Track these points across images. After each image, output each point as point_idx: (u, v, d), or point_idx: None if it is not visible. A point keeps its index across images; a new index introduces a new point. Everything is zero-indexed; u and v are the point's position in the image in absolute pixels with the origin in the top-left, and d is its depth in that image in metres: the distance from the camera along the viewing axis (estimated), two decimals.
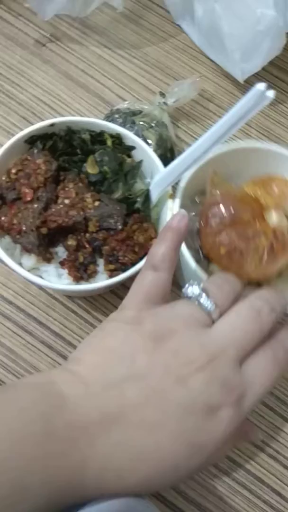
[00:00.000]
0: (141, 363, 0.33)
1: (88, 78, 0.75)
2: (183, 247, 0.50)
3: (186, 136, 0.72)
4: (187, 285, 0.39)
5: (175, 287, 0.61)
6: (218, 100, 0.75)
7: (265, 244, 0.50)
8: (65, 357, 0.59)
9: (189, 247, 0.51)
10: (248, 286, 0.51)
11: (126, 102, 0.69)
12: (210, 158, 0.54)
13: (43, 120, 0.71)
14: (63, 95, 0.73)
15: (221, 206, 0.52)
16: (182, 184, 0.53)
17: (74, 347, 0.60)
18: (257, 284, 0.53)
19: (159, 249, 0.40)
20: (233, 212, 0.51)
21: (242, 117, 0.42)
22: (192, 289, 0.38)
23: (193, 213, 0.54)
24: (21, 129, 0.69)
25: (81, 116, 0.71)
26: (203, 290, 0.37)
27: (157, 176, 0.53)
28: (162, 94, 0.69)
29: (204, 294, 0.37)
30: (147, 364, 0.33)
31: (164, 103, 0.68)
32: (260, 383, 0.34)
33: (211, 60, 0.77)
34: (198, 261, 0.52)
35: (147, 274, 0.39)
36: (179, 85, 0.69)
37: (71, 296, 0.61)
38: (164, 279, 0.39)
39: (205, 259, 0.54)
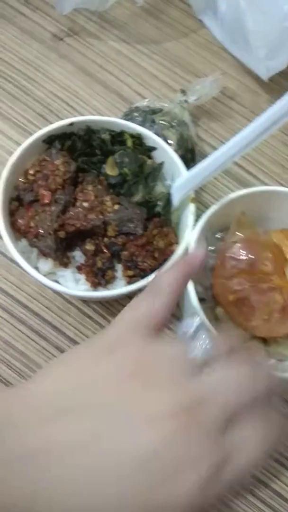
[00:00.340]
0: (105, 396, 0.28)
1: (106, 74, 0.72)
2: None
3: (207, 136, 0.70)
4: (183, 322, 0.36)
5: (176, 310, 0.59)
6: (240, 99, 0.73)
7: (279, 301, 0.46)
8: None
9: (199, 282, 0.48)
10: (252, 341, 0.48)
11: (146, 100, 0.67)
12: (241, 194, 0.51)
13: (59, 117, 0.70)
14: (81, 91, 0.71)
15: (241, 249, 0.48)
16: (207, 215, 0.50)
17: None
18: (263, 340, 0.50)
19: (165, 277, 0.35)
20: (252, 258, 0.48)
21: (275, 122, 0.40)
22: (187, 328, 0.35)
23: (212, 248, 0.52)
24: (38, 127, 0.69)
25: (99, 114, 0.69)
26: (199, 332, 0.33)
27: (179, 179, 0.51)
28: (183, 92, 0.66)
29: (199, 337, 0.31)
30: (111, 398, 0.28)
31: (185, 101, 0.65)
32: (247, 452, 0.28)
33: (234, 57, 0.74)
34: (204, 300, 0.49)
35: (143, 298, 0.34)
36: (200, 83, 0.66)
37: (86, 300, 0.60)
38: (161, 308, 0.33)
39: (213, 301, 0.51)
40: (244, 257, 0.49)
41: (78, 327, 0.59)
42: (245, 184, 0.67)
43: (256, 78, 0.72)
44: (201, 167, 0.48)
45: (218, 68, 0.74)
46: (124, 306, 0.60)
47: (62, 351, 0.58)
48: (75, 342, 0.58)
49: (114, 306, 0.60)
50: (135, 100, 0.70)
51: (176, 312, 0.60)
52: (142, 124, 0.59)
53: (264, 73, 0.69)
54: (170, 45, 0.75)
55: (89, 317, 0.59)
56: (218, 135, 0.70)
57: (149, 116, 0.62)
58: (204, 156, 0.68)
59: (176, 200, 0.52)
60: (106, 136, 0.53)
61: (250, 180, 0.67)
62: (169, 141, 0.59)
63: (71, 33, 0.75)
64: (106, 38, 0.75)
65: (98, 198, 0.50)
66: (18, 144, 0.67)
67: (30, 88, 0.71)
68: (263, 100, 0.72)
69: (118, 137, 0.54)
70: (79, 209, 0.49)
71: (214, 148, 0.68)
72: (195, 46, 0.75)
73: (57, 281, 0.51)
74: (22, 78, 0.71)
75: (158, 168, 0.53)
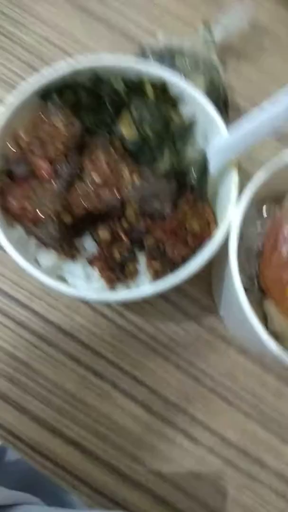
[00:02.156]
0: None
1: (108, 11, 0.59)
2: (234, 268, 0.38)
3: (237, 82, 0.56)
4: None
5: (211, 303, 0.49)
6: (275, 34, 0.59)
7: None
8: (95, 373, 0.48)
9: (240, 270, 0.38)
10: None
11: (160, 39, 0.53)
12: None
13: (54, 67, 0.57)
14: (78, 33, 0.58)
15: None
16: (254, 185, 0.38)
17: (106, 359, 0.48)
18: None
19: None
20: None
21: None
22: None
23: (258, 226, 0.41)
24: (27, 81, 0.56)
25: None
26: None
27: (220, 140, 0.38)
28: (207, 25, 0.53)
29: None
30: None
31: (210, 36, 0.52)
32: None
33: None
34: (249, 291, 0.39)
35: None
36: (228, 13, 0.53)
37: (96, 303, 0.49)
38: None
39: (260, 292, 0.41)
40: None
41: (91, 329, 0.48)
42: None
43: None
44: (251, 125, 0.35)
45: None
46: (148, 302, 0.51)
47: (74, 359, 0.47)
48: (90, 348, 0.48)
49: None
50: (144, 41, 0.57)
51: (208, 306, 0.49)
52: None
53: None
54: None
55: (103, 315, 0.49)
56: (252, 82, 0.57)
57: (167, 58, 0.49)
58: (235, 108, 0.56)
59: (214, 168, 0.40)
60: (119, 86, 0.40)
61: None
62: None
63: None
64: None
65: (113, 169, 0.38)
66: (4, 103, 0.54)
67: (16, 33, 0.57)
68: None
69: (134, 86, 0.41)
70: (88, 184, 0.38)
71: (248, 98, 0.56)
72: None
73: (63, 278, 0.40)
74: (5, 22, 0.57)
75: (189, 126, 0.41)
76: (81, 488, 0.45)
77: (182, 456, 0.47)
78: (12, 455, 0.46)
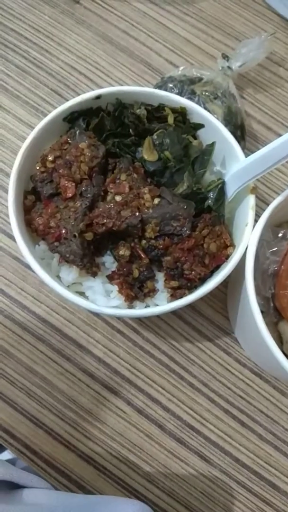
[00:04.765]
0: None
1: (131, 41, 0.61)
2: (251, 293, 0.38)
3: (253, 110, 0.59)
4: None
5: (226, 323, 0.50)
6: None
7: None
8: (110, 389, 0.48)
9: (256, 292, 0.39)
10: None
11: (180, 68, 0.56)
12: None
13: (77, 93, 0.59)
14: (102, 61, 0.60)
15: None
16: (271, 208, 0.39)
17: (121, 376, 0.48)
18: None
19: None
20: None
21: None
22: None
23: (273, 249, 0.41)
24: (52, 106, 0.58)
25: None
26: None
27: (237, 165, 0.40)
28: (226, 57, 0.55)
29: None
30: None
31: (228, 67, 0.54)
32: None
33: (282, 17, 0.63)
34: (264, 312, 0.40)
35: None
36: (247, 45, 0.55)
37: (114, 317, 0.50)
38: None
39: (275, 313, 0.42)
40: None
41: (107, 345, 0.49)
42: None
43: None
44: (267, 151, 0.37)
45: (262, 30, 0.63)
46: (160, 318, 0.52)
47: (89, 374, 0.48)
48: (105, 363, 0.48)
49: (148, 318, 0.50)
50: (166, 70, 0.60)
51: (224, 325, 0.50)
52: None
53: None
54: (205, 5, 0.64)
55: (119, 331, 0.50)
56: (267, 109, 0.59)
57: (187, 87, 0.51)
58: (252, 134, 0.58)
59: (231, 191, 0.41)
60: (141, 112, 0.42)
61: None
62: (214, 116, 0.48)
63: None
64: None
65: (134, 190, 0.40)
66: (30, 127, 0.57)
67: (42, 60, 0.60)
68: None
69: (156, 112, 0.43)
70: (111, 204, 0.39)
71: (264, 125, 0.58)
72: (235, 5, 0.64)
73: (83, 294, 0.41)
74: (32, 49, 0.61)
75: (208, 151, 0.42)
76: None
77: (195, 476, 0.47)
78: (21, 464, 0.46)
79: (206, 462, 0.47)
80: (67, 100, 0.43)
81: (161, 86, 0.53)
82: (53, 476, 0.46)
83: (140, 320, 0.50)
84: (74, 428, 0.47)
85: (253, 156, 0.38)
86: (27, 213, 0.41)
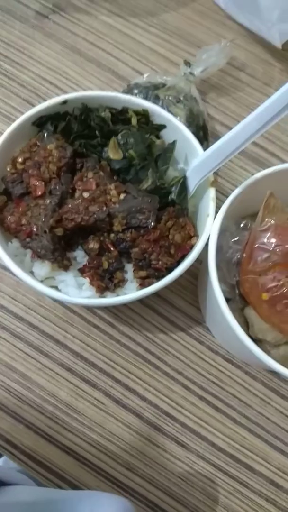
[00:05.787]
0: None
1: (99, 52, 0.64)
2: (214, 279, 0.40)
3: (217, 112, 0.62)
4: None
5: (198, 314, 0.52)
6: (251, 69, 0.65)
7: None
8: (88, 381, 0.50)
9: (222, 280, 0.41)
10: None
11: (145, 75, 0.59)
12: (269, 173, 0.43)
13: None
14: (71, 72, 0.63)
15: (273, 238, 0.41)
16: (230, 199, 0.42)
17: (98, 369, 0.50)
18: None
19: None
20: None
21: None
22: None
23: (235, 239, 0.44)
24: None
25: None
26: None
27: (196, 160, 0.43)
28: (187, 63, 0.58)
29: None
30: None
31: (190, 73, 0.57)
32: None
33: (240, 25, 0.67)
34: (231, 299, 0.42)
35: None
36: (207, 51, 0.58)
37: (91, 308, 0.52)
38: None
39: (241, 300, 0.44)
40: (279, 247, 0.41)
41: (84, 339, 0.51)
42: (263, 164, 0.59)
43: (267, 47, 0.65)
44: (221, 144, 0.40)
45: (222, 37, 0.66)
46: (135, 311, 0.54)
47: (67, 368, 0.50)
48: (82, 357, 0.50)
49: (123, 311, 0.52)
50: (132, 78, 0.62)
51: (196, 316, 0.52)
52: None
53: (277, 39, 0.61)
54: (168, 16, 0.67)
55: (96, 326, 0.52)
56: (230, 112, 0.62)
57: (151, 92, 0.54)
58: (215, 135, 0.61)
59: (192, 185, 0.44)
60: (106, 114, 0.45)
61: (268, 159, 0.59)
62: (177, 118, 0.51)
63: (57, 10, 0.67)
64: (96, 13, 0.67)
65: (101, 187, 0.42)
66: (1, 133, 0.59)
67: (13, 72, 0.63)
68: (276, 70, 0.65)
69: (120, 115, 0.46)
70: (79, 200, 0.41)
71: (226, 126, 0.61)
72: (196, 15, 0.68)
73: (56, 288, 0.43)
74: (4, 62, 0.63)
75: (169, 149, 0.45)
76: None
77: (173, 463, 0.48)
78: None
79: (184, 447, 0.49)
80: None
81: (127, 92, 0.56)
82: (35, 469, 0.47)
83: (115, 314, 0.52)
84: (54, 421, 0.48)
85: (209, 150, 0.41)
86: None
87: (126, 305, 0.52)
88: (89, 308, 0.52)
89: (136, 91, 0.55)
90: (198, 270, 0.53)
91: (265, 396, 0.51)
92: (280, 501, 0.48)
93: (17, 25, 0.65)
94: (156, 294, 0.46)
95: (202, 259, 0.44)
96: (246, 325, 0.46)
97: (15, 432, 0.48)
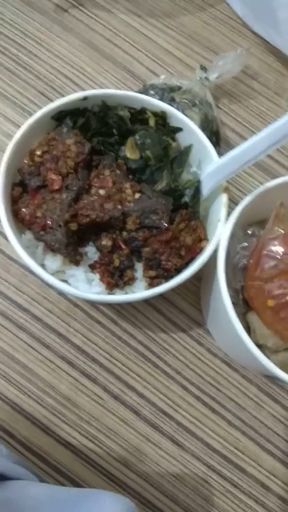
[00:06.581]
0: None
1: (115, 49, 0.65)
2: (222, 282, 0.41)
3: (228, 119, 0.63)
4: None
5: (199, 316, 0.53)
6: (263, 78, 0.66)
7: None
8: (88, 376, 0.50)
9: (228, 285, 0.42)
10: None
11: (162, 77, 0.59)
12: (279, 183, 0.44)
13: (63, 95, 0.62)
14: (87, 67, 0.63)
15: (282, 246, 0.42)
16: (241, 206, 0.43)
17: (99, 364, 0.51)
18: None
19: None
20: None
21: None
22: None
23: (244, 245, 0.45)
24: (39, 106, 0.61)
25: None
26: None
27: (211, 165, 0.43)
28: (203, 68, 0.59)
29: None
30: None
31: (206, 78, 0.58)
32: None
33: (256, 34, 0.68)
34: (235, 304, 0.42)
35: None
36: (223, 58, 0.59)
37: (100, 303, 0.52)
38: None
39: (244, 305, 0.45)
40: (287, 256, 0.42)
41: (86, 334, 0.51)
42: (273, 174, 0.60)
43: (281, 57, 0.66)
44: (238, 152, 0.40)
45: (238, 45, 0.67)
46: (138, 310, 0.55)
47: (68, 361, 0.50)
48: (83, 352, 0.51)
49: (126, 309, 0.53)
50: (146, 78, 0.63)
51: (197, 317, 0.53)
52: None
53: None
54: (185, 19, 0.68)
55: (98, 322, 0.52)
56: (241, 119, 0.63)
57: (167, 94, 0.55)
58: (226, 142, 0.62)
59: (206, 189, 0.44)
60: (125, 113, 0.45)
61: (278, 170, 0.61)
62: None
63: (76, 4, 0.67)
64: (115, 10, 0.67)
65: (117, 185, 0.42)
66: (17, 126, 0.59)
67: (31, 64, 0.63)
68: None
69: (138, 115, 0.46)
70: (95, 197, 0.42)
71: (237, 133, 0.62)
72: (213, 21, 0.68)
73: (66, 281, 0.43)
74: (22, 53, 0.63)
75: (186, 152, 0.46)
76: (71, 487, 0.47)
77: (167, 460, 0.49)
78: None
79: (179, 446, 0.49)
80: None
81: (143, 92, 0.56)
82: (30, 459, 0.47)
83: (118, 311, 0.53)
84: (53, 414, 0.49)
85: (225, 157, 0.41)
86: (14, 204, 0.43)
87: (129, 303, 0.53)
88: (93, 304, 0.52)
89: (152, 92, 0.56)
90: (202, 272, 0.54)
91: (259, 400, 0.52)
92: (268, 503, 0.49)
93: (37, 17, 0.65)
94: (160, 294, 0.46)
95: (208, 262, 0.45)
96: (247, 330, 0.47)
97: (13, 422, 0.48)
